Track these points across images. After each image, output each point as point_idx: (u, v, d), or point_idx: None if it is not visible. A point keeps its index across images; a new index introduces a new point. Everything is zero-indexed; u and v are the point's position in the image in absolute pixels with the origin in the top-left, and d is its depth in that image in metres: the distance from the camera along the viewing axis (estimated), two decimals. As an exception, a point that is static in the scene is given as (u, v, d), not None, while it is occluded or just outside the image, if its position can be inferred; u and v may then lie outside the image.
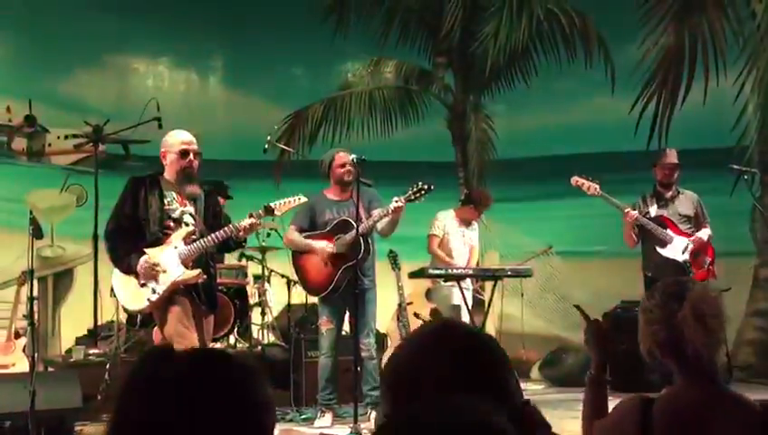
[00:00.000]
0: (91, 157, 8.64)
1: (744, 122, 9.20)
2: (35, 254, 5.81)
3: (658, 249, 6.51)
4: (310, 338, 6.91)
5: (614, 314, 7.45)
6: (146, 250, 4.76)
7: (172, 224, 4.85)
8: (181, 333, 4.63)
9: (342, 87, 10.69)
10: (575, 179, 6.59)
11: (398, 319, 7.15)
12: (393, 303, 7.19)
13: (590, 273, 9.32)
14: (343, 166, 6.06)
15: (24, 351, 6.58)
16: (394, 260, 7.16)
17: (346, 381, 6.14)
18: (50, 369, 7.15)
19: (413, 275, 6.92)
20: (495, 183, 10.07)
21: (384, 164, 8.20)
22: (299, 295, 7.28)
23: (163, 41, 10.19)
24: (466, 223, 7.37)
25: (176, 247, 4.77)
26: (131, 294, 4.80)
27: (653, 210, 6.59)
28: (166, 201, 4.87)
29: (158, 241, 4.79)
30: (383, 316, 7.12)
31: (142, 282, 4.73)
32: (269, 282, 7.99)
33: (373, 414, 5.74)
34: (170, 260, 4.74)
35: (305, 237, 6.05)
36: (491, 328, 8.24)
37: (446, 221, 7.28)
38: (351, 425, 5.37)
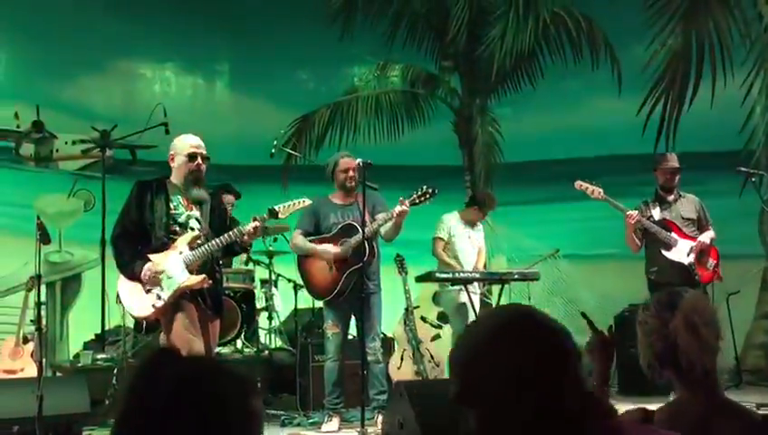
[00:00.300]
0: (98, 162, 8.67)
1: (752, 125, 9.18)
2: (43, 259, 5.84)
3: (663, 252, 6.49)
4: (316, 342, 6.91)
5: (622, 317, 7.46)
6: (150, 256, 4.74)
7: (178, 229, 4.83)
8: (187, 339, 4.62)
9: (349, 91, 10.69)
10: (579, 184, 6.58)
11: (405, 323, 7.15)
12: (400, 307, 7.19)
13: (597, 276, 9.29)
14: (346, 171, 6.06)
15: (32, 356, 6.60)
16: (401, 264, 7.15)
17: (353, 385, 6.13)
18: (58, 374, 7.18)
19: (420, 278, 6.91)
20: (502, 186, 10.06)
21: (390, 168, 8.20)
22: (306, 300, 7.28)
23: (170, 46, 10.21)
24: (471, 224, 7.37)
25: (181, 253, 4.75)
26: (137, 301, 4.78)
27: (656, 214, 6.57)
28: (172, 205, 4.85)
29: (163, 246, 4.78)
30: (390, 320, 7.11)
31: (147, 288, 4.71)
32: (276, 286, 8.00)
33: (380, 418, 5.73)
34: (175, 265, 4.72)
35: (310, 241, 6.06)
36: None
37: (451, 224, 7.27)
38: (359, 429, 5.36)
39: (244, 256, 7.90)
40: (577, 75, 10.07)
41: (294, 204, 5.16)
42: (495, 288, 7.74)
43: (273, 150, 7.80)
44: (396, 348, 7.17)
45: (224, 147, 9.12)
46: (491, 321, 1.61)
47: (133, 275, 4.73)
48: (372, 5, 10.46)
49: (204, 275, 4.75)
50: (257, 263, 8.08)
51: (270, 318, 7.89)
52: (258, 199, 8.06)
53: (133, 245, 4.82)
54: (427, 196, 5.81)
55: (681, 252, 6.48)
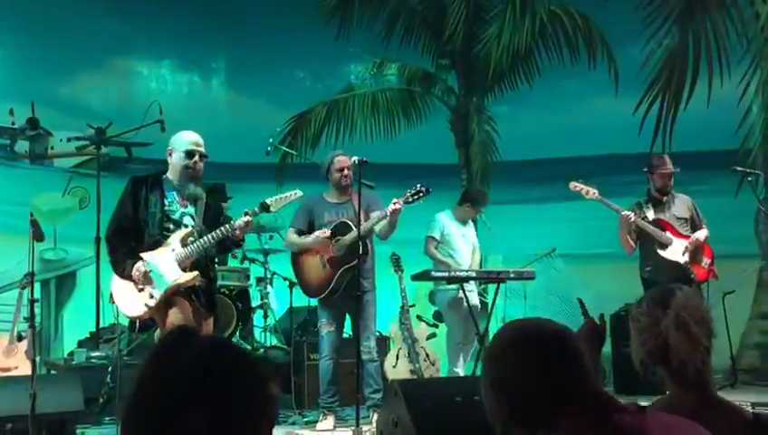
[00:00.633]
0: (93, 159, 8.65)
1: (749, 124, 9.18)
2: (38, 257, 5.82)
3: (659, 251, 6.48)
4: (311, 341, 6.89)
5: (617, 316, 7.45)
6: (143, 253, 4.71)
7: (171, 226, 4.80)
8: None
9: (346, 89, 10.68)
10: (573, 185, 6.58)
11: (400, 322, 7.13)
12: (396, 305, 7.18)
13: (593, 275, 9.29)
14: (341, 170, 6.06)
15: (26, 354, 6.58)
16: (397, 262, 7.15)
17: (348, 383, 6.13)
18: (52, 372, 7.16)
19: (416, 277, 6.90)
20: (498, 185, 10.06)
21: (387, 166, 8.19)
22: (301, 298, 7.27)
23: (166, 43, 10.19)
24: (464, 222, 7.37)
25: (173, 250, 4.71)
26: (129, 301, 4.74)
27: (650, 214, 6.56)
28: (166, 202, 4.82)
29: (156, 243, 4.75)
30: (386, 319, 7.11)
31: (140, 287, 4.68)
32: (271, 284, 7.98)
33: (375, 417, 5.72)
34: (167, 263, 4.68)
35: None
36: (494, 331, 8.21)
37: (444, 222, 7.26)
38: (354, 428, 5.35)
39: (239, 254, 7.89)
40: (574, 74, 10.07)
41: (286, 197, 5.10)
42: (491, 287, 7.73)
43: (269, 148, 7.78)
44: (391, 347, 7.16)
45: (219, 144, 9.07)
46: (491, 343, 1.74)
47: (125, 274, 4.71)
48: (369, 3, 10.44)
49: (196, 273, 4.72)
50: (252, 261, 8.06)
51: (265, 316, 7.88)
52: (254, 197, 8.00)
53: (127, 242, 4.79)
54: (421, 194, 5.82)
55: (676, 251, 6.48)
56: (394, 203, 5.77)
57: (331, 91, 10.68)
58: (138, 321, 5.81)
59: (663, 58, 9.68)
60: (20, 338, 7.00)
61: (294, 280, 6.63)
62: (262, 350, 7.67)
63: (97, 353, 7.04)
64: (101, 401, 6.40)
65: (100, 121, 8.67)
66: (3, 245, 8.52)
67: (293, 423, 6.21)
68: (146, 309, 4.70)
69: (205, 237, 4.74)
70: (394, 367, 6.95)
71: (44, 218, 6.72)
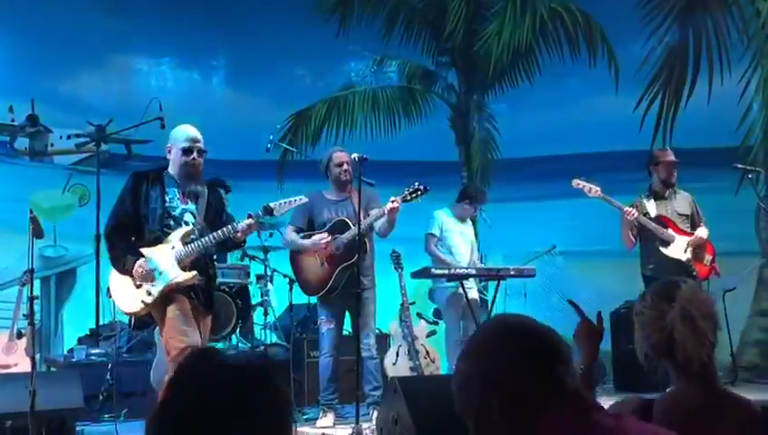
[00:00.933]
0: (93, 157, 8.63)
1: (749, 121, 9.17)
2: (38, 254, 5.81)
3: (661, 248, 6.47)
4: (311, 338, 6.90)
5: (618, 314, 7.45)
6: (143, 250, 4.67)
7: (172, 223, 4.75)
8: (183, 331, 4.54)
9: (346, 86, 10.67)
10: (576, 182, 6.57)
11: (400, 319, 7.13)
12: (396, 303, 7.18)
13: (594, 273, 9.28)
14: (340, 165, 6.06)
15: (25, 351, 6.58)
16: (397, 260, 7.14)
17: (348, 381, 6.13)
18: (52, 369, 7.16)
19: (416, 274, 6.90)
20: (499, 183, 10.06)
21: (387, 163, 8.17)
22: (301, 295, 7.26)
23: (166, 41, 10.18)
24: (462, 219, 7.36)
25: (173, 248, 4.67)
26: (126, 296, 4.70)
27: (652, 209, 6.55)
28: (167, 198, 4.77)
29: (156, 240, 4.70)
30: (386, 316, 7.11)
31: (138, 283, 4.64)
32: (271, 281, 7.98)
33: (375, 414, 5.72)
34: (167, 261, 4.64)
35: (302, 237, 6.04)
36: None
37: (443, 219, 7.26)
38: (353, 425, 5.35)
39: (239, 252, 7.88)
40: (574, 72, 10.05)
41: (290, 202, 5.08)
42: (492, 285, 7.72)
43: (269, 146, 7.78)
44: (391, 344, 7.16)
45: (219, 141, 9.08)
46: (473, 335, 1.73)
47: (124, 270, 4.65)
48: (369, 1, 10.43)
49: (195, 273, 4.68)
50: (252, 258, 8.05)
51: (265, 313, 7.87)
52: (254, 195, 8.01)
53: (126, 237, 4.75)
54: (419, 193, 5.81)
55: (678, 248, 6.47)
56: (392, 201, 5.77)
57: (331, 89, 10.67)
58: (133, 317, 5.80)
59: (663, 55, 9.66)
60: (20, 335, 7.00)
61: (294, 277, 6.63)
62: (262, 347, 7.66)
63: (97, 350, 7.04)
64: (101, 398, 6.40)
65: (100, 118, 8.67)
66: (2, 242, 8.51)
67: (293, 420, 6.20)
68: (142, 306, 4.66)
69: (206, 237, 4.70)
70: (394, 364, 6.95)
71: (44, 215, 6.73)
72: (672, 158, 6.63)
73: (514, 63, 10.28)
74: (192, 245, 4.70)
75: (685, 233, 6.53)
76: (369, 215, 5.83)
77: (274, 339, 7.97)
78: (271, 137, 7.92)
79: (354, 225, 5.77)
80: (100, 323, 7.61)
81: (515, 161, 10.22)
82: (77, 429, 5.57)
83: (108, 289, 4.96)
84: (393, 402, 4.82)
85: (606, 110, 9.76)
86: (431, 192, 5.92)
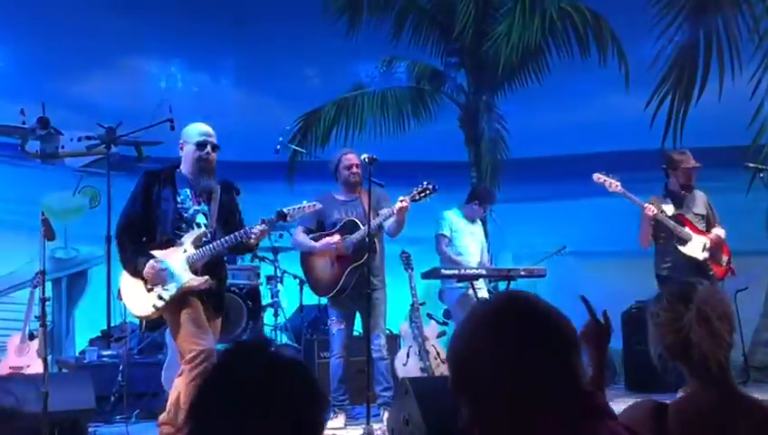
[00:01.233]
0: (103, 159, 8.67)
1: (761, 119, 9.13)
2: (49, 256, 5.83)
3: (679, 247, 6.42)
4: (322, 339, 6.90)
5: (629, 314, 7.43)
6: (154, 252, 4.63)
7: (184, 225, 4.70)
8: (197, 335, 4.51)
9: (355, 87, 10.67)
10: (597, 176, 6.52)
11: (410, 320, 7.13)
12: (406, 303, 7.17)
13: (604, 273, 9.25)
14: (350, 167, 6.06)
15: (37, 352, 6.61)
16: (407, 260, 7.14)
17: (359, 381, 6.13)
18: (63, 370, 7.19)
19: (426, 275, 6.90)
20: (508, 183, 10.05)
21: (397, 164, 8.17)
22: (312, 296, 7.27)
23: (176, 42, 10.20)
24: (472, 220, 7.36)
25: (185, 251, 4.63)
26: (138, 300, 4.65)
27: (669, 210, 6.51)
28: (179, 199, 4.72)
29: (168, 242, 4.66)
30: (396, 317, 7.10)
31: (149, 286, 4.59)
32: (281, 282, 7.99)
33: (386, 415, 5.72)
34: (179, 264, 4.60)
35: (312, 238, 6.05)
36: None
37: (453, 220, 7.26)
38: (364, 426, 5.35)
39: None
40: (584, 71, 10.02)
41: (304, 207, 5.03)
42: (502, 285, 7.71)
43: (278, 147, 7.80)
44: (401, 345, 7.16)
45: (229, 143, 9.10)
46: (482, 308, 1.60)
47: (136, 272, 4.61)
48: (378, 2, 10.43)
49: (207, 277, 4.64)
50: (263, 259, 8.07)
51: (276, 314, 7.88)
52: (263, 196, 8.06)
53: (137, 239, 4.69)
54: (428, 192, 5.81)
55: (696, 247, 6.42)
56: (401, 201, 5.77)
57: (340, 90, 10.67)
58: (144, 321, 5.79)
59: (674, 54, 9.63)
60: (32, 337, 7.04)
61: (304, 278, 6.64)
62: (272, 348, 7.67)
63: (108, 352, 7.06)
64: (113, 399, 6.42)
65: (110, 121, 8.70)
66: (14, 244, 8.56)
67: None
68: (154, 310, 4.61)
69: (218, 241, 4.67)
70: (404, 365, 6.95)
71: (55, 217, 6.74)
72: (692, 164, 6.54)
73: (524, 63, 10.26)
74: (204, 248, 4.65)
75: (702, 232, 6.49)
76: (378, 215, 5.84)
77: (285, 340, 7.98)
78: (280, 138, 7.94)
79: (364, 225, 5.77)
80: (112, 324, 7.64)
81: (525, 161, 10.20)
82: (89, 430, 5.58)
83: (119, 292, 4.93)
84: (404, 403, 4.82)
85: (616, 109, 9.73)
86: (440, 192, 5.92)
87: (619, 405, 2.34)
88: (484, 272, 6.99)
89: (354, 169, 6.07)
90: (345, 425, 5.95)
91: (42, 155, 9.43)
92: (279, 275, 7.96)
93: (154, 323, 6.27)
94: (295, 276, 7.68)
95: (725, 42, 9.44)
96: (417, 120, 10.49)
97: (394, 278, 6.56)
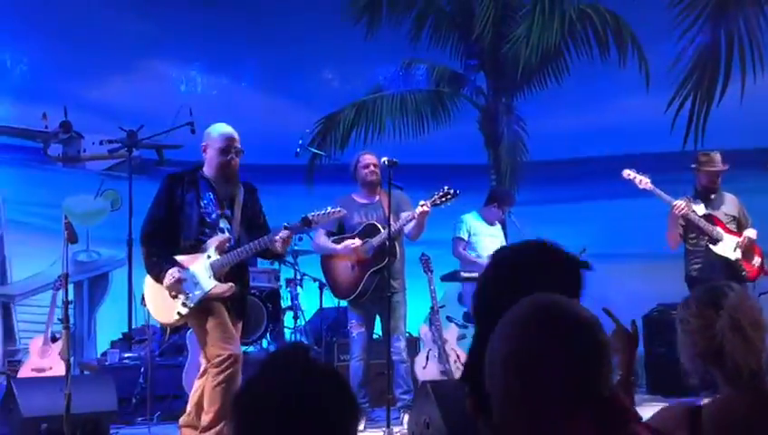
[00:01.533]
0: (124, 162, 8.73)
1: (784, 121, 9.04)
2: (71, 259, 5.88)
3: (711, 247, 6.35)
4: (341, 342, 6.91)
5: (650, 317, 7.38)
6: (179, 258, 4.60)
7: (207, 230, 4.67)
8: (224, 340, 4.51)
9: (374, 90, 10.68)
10: (627, 172, 6.48)
11: (430, 323, 7.12)
12: (426, 306, 7.16)
13: (625, 276, 9.19)
14: (367, 166, 6.07)
15: (59, 354, 6.66)
16: (426, 263, 7.13)
17: (378, 384, 6.13)
18: (85, 372, 7.24)
19: (445, 277, 6.89)
20: (528, 185, 10.02)
21: (416, 166, 8.17)
22: (331, 299, 7.28)
23: (195, 46, 10.25)
24: (491, 223, 7.33)
25: (209, 257, 4.60)
26: (161, 307, 4.64)
27: (700, 210, 6.43)
28: (202, 203, 4.68)
29: (192, 248, 4.64)
30: (416, 320, 7.10)
31: (173, 293, 4.57)
32: (301, 285, 8.00)
33: (406, 418, 5.72)
34: (203, 271, 4.58)
35: (333, 241, 6.06)
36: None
37: (471, 223, 7.24)
38: (384, 429, 5.35)
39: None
40: (604, 72, 9.97)
41: (329, 213, 4.97)
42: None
43: (298, 150, 7.82)
44: (421, 348, 7.15)
45: (248, 146, 9.13)
46: (510, 313, 1.55)
47: (161, 279, 4.58)
48: (397, 4, 10.44)
49: (231, 284, 4.61)
50: (282, 262, 8.09)
51: (295, 317, 7.90)
52: (282, 199, 8.07)
53: (162, 244, 4.65)
54: (449, 196, 5.81)
55: (728, 247, 6.35)
56: (421, 205, 5.77)
57: (359, 93, 10.69)
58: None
59: (695, 55, 9.56)
60: (54, 339, 7.10)
61: (324, 281, 6.66)
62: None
63: (129, 354, 7.10)
64: (134, 401, 6.45)
65: (131, 124, 8.76)
66: (37, 247, 8.64)
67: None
68: (177, 317, 4.60)
69: (242, 248, 4.64)
70: (424, 368, 6.94)
71: (77, 220, 6.79)
72: (715, 167, 6.47)
73: (543, 65, 10.23)
74: (228, 255, 4.62)
75: (733, 232, 6.43)
76: (399, 218, 5.84)
77: (305, 343, 8.00)
78: (300, 141, 7.96)
79: (384, 228, 5.78)
80: (133, 326, 7.69)
81: (544, 164, 10.17)
82: (111, 431, 5.62)
83: (143, 297, 4.92)
84: (425, 406, 4.82)
85: (636, 111, 9.67)
86: (460, 195, 5.92)
87: (641, 408, 2.33)
88: (503, 274, 6.95)
89: (371, 168, 6.08)
90: (365, 428, 5.95)
91: (64, 158, 9.51)
92: (298, 277, 7.98)
93: (177, 326, 6.30)
94: (315, 279, 7.70)
95: (747, 42, 9.36)
96: (437, 122, 10.48)
97: (413, 281, 6.56)
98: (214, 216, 4.71)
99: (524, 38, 10.03)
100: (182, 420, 4.70)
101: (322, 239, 6.10)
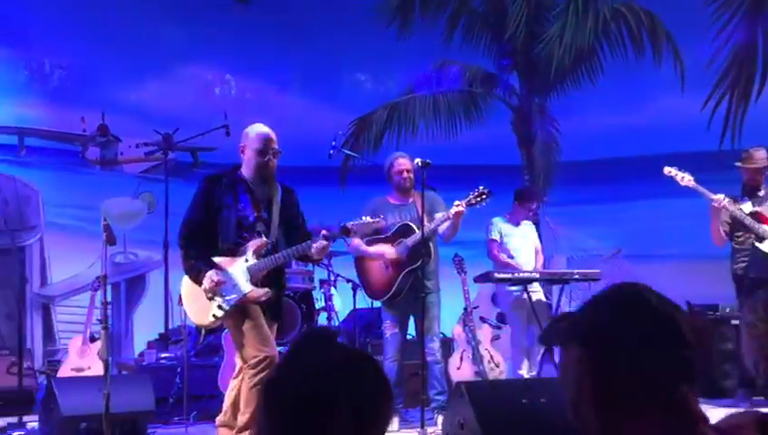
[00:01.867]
0: (160, 165, 8.85)
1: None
2: (109, 260, 5.97)
3: (757, 244, 6.28)
4: (375, 342, 6.93)
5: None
6: (216, 260, 4.62)
7: (245, 233, 4.67)
8: (260, 341, 4.52)
9: (406, 91, 10.69)
10: (668, 169, 6.44)
11: (464, 323, 7.11)
12: (459, 307, 7.16)
13: (659, 276, 9.10)
14: (401, 173, 6.07)
15: (98, 354, 6.75)
16: (460, 264, 7.12)
17: (412, 385, 6.14)
18: (123, 372, 7.34)
19: (479, 278, 6.88)
20: (562, 185, 9.97)
21: (449, 167, 8.17)
22: (365, 300, 7.30)
23: (229, 50, 10.34)
24: (519, 222, 7.29)
25: (247, 260, 4.60)
26: (198, 308, 4.67)
27: (747, 207, 6.35)
28: (239, 206, 4.68)
29: (230, 251, 4.65)
30: (450, 321, 7.09)
31: (209, 295, 4.59)
32: (335, 286, 8.04)
33: (440, 419, 5.72)
34: (240, 274, 4.59)
35: (367, 242, 6.08)
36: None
37: (501, 224, 7.22)
38: (418, 429, 5.36)
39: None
40: (638, 71, 9.89)
41: (368, 223, 4.92)
42: (555, 288, 7.65)
43: (331, 151, 7.85)
44: (455, 348, 7.15)
45: (282, 148, 9.20)
46: (583, 308, 1.50)
47: (198, 280, 4.60)
48: (430, 5, 10.44)
49: (267, 290, 4.61)
50: (316, 263, 8.13)
51: (329, 318, 7.93)
52: (316, 201, 8.10)
53: (200, 246, 4.67)
54: (483, 196, 5.81)
55: None
56: (456, 205, 5.77)
57: (391, 94, 10.70)
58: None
59: (731, 53, 9.45)
60: (93, 339, 7.21)
61: (358, 282, 6.68)
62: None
63: (166, 354, 7.19)
64: (171, 400, 6.53)
65: (166, 127, 8.87)
66: (75, 248, 8.78)
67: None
68: (213, 319, 4.63)
69: (280, 253, 4.65)
70: (458, 369, 6.94)
71: (114, 223, 6.89)
72: (755, 164, 6.40)
73: (577, 65, 10.17)
74: (265, 259, 4.63)
75: None
76: (432, 219, 5.85)
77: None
78: (333, 143, 7.99)
79: (418, 229, 5.79)
80: (170, 327, 7.78)
81: (578, 164, 10.12)
82: (149, 431, 5.69)
83: (180, 297, 4.98)
84: (459, 407, 4.82)
85: (671, 110, 9.59)
86: (494, 196, 5.91)
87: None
88: (537, 275, 6.94)
89: (405, 175, 6.09)
90: (399, 428, 5.96)
91: (101, 162, 9.64)
92: (332, 279, 8.01)
93: (212, 327, 6.36)
94: (348, 280, 7.72)
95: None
96: (470, 123, 10.46)
97: (446, 281, 6.56)
98: (251, 218, 4.72)
99: (558, 37, 9.97)
100: (219, 419, 4.75)
101: (357, 241, 6.12)
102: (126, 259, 9.22)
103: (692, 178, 6.31)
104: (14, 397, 6.75)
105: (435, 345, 6.02)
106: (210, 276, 4.54)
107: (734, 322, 6.46)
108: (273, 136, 4.75)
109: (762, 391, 5.81)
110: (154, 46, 9.82)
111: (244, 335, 4.56)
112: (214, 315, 4.62)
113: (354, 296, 7.70)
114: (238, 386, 4.64)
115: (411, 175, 6.07)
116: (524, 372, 6.90)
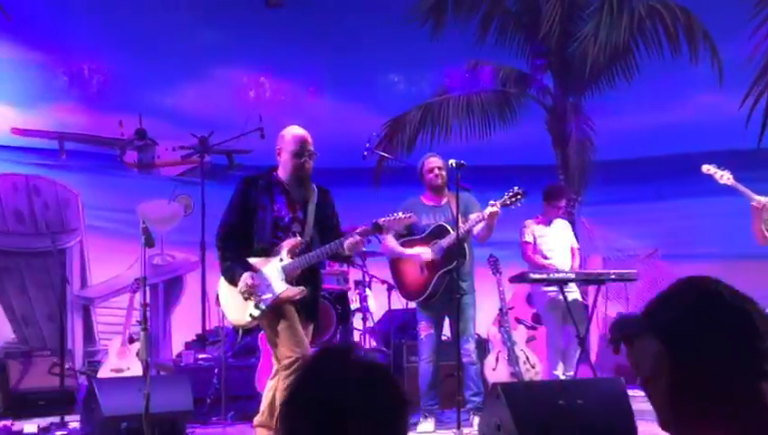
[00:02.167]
0: (196, 167, 8.95)
1: None
2: (146, 262, 6.05)
3: None
4: (410, 343, 6.94)
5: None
6: (252, 261, 4.68)
7: (281, 233, 4.73)
8: (295, 342, 4.56)
9: (440, 92, 10.68)
10: (706, 167, 6.38)
11: (499, 324, 7.10)
12: (494, 307, 7.15)
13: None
14: (431, 171, 6.09)
15: (137, 355, 6.85)
16: (495, 265, 7.11)
17: (448, 386, 6.14)
18: (161, 373, 7.43)
19: (514, 279, 6.86)
20: (597, 185, 9.89)
21: (483, 168, 8.15)
22: (400, 301, 7.32)
23: (263, 53, 10.41)
24: (548, 222, 7.24)
25: (281, 260, 4.66)
26: (235, 308, 4.73)
27: None
28: (275, 207, 4.75)
29: (264, 251, 4.71)
30: (485, 321, 7.09)
31: (245, 296, 4.64)
32: (369, 287, 8.06)
33: (476, 420, 5.72)
34: (275, 274, 4.65)
35: (402, 243, 6.09)
36: (594, 333, 8.08)
37: (533, 226, 7.18)
38: (454, 430, 5.37)
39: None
40: (674, 69, 9.78)
41: (400, 219, 4.92)
42: (591, 289, 7.60)
43: (365, 153, 7.88)
44: (490, 349, 7.14)
45: (316, 150, 9.24)
46: (660, 303, 1.49)
47: (233, 281, 4.67)
48: (462, 6, 10.42)
49: (301, 288, 4.66)
50: (351, 264, 8.16)
51: (364, 319, 7.96)
52: (350, 202, 8.13)
53: (236, 247, 4.73)
54: (518, 197, 5.79)
55: None
56: (491, 205, 5.76)
57: (424, 94, 10.70)
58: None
59: (769, 50, 9.32)
60: (131, 340, 7.32)
61: (392, 283, 6.70)
62: (362, 352, 7.76)
63: (204, 355, 7.27)
64: (209, 401, 6.60)
65: (202, 130, 8.96)
66: (114, 250, 8.90)
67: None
68: (249, 319, 4.68)
69: (313, 252, 4.69)
70: (494, 370, 6.93)
71: (152, 225, 6.99)
72: None
73: (611, 63, 10.08)
74: (300, 258, 4.67)
75: None
76: (467, 220, 5.84)
77: (373, 344, 8.05)
78: (367, 144, 8.02)
79: (453, 230, 5.79)
80: (207, 328, 7.86)
81: (613, 163, 10.02)
82: (187, 431, 5.76)
83: (217, 297, 5.05)
84: (495, 408, 4.81)
85: (708, 108, 9.47)
86: (528, 196, 5.90)
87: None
88: (572, 276, 6.90)
89: (436, 172, 6.10)
90: (435, 429, 5.97)
91: (139, 165, 9.77)
92: (367, 279, 8.04)
93: (249, 328, 6.42)
94: (383, 281, 7.75)
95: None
96: (503, 123, 10.42)
97: (481, 282, 6.55)
98: (287, 219, 4.78)
99: (592, 36, 9.90)
100: (256, 419, 4.80)
101: (392, 242, 6.14)
102: (164, 261, 9.34)
103: (731, 177, 6.24)
104: (56, 397, 6.88)
105: (470, 346, 6.02)
106: (245, 279, 4.60)
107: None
108: (309, 138, 4.80)
109: None
110: (189, 50, 9.92)
111: (279, 335, 4.60)
112: (251, 315, 4.67)
113: (389, 297, 7.72)
114: (275, 386, 4.68)
115: (443, 172, 6.08)
116: (559, 372, 6.87)
